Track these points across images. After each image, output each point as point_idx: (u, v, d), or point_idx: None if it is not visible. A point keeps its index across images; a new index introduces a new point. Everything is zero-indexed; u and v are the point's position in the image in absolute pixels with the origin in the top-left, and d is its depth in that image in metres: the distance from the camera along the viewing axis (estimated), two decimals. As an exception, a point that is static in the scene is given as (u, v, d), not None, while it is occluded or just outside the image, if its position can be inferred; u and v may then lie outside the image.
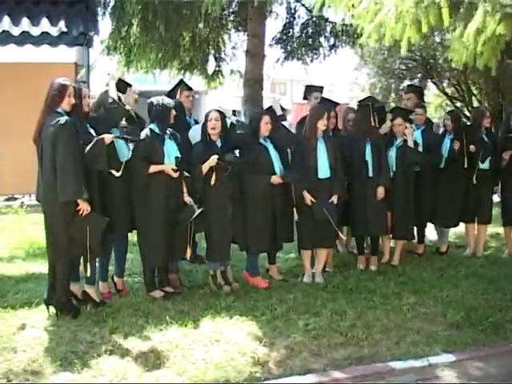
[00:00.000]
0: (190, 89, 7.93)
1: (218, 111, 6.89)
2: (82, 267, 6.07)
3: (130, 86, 7.00)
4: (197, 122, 8.01)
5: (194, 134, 7.15)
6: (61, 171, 5.58)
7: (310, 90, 8.45)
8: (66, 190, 5.59)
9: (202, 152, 6.71)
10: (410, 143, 7.83)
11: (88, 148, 5.78)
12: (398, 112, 8.16)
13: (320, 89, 8.44)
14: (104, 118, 6.29)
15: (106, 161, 5.89)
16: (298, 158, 7.26)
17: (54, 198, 5.63)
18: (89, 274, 6.07)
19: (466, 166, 8.22)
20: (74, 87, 5.92)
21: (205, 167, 6.62)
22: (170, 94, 7.62)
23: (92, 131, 6.12)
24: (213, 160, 6.58)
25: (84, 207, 5.70)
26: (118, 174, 6.19)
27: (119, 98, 6.43)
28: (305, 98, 8.42)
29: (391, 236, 8.22)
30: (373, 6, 5.19)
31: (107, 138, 5.94)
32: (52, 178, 5.63)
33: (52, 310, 5.95)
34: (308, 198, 7.07)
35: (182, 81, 8.18)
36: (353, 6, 5.47)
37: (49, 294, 5.99)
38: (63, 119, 5.62)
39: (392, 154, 7.86)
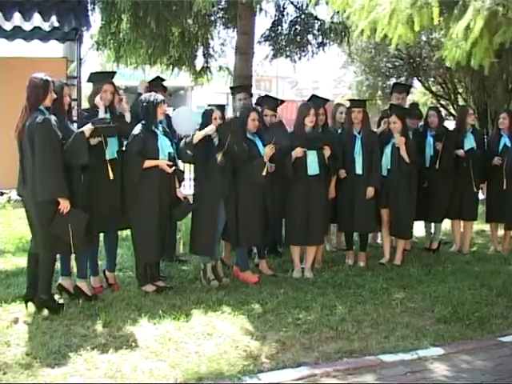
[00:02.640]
0: (165, 89, 7.91)
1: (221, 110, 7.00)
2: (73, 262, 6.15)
3: (112, 73, 7.00)
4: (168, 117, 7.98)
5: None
6: (39, 170, 5.57)
7: (234, 90, 8.41)
8: (43, 190, 5.58)
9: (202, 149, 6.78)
10: (403, 153, 7.77)
11: (68, 143, 5.77)
12: (393, 110, 8.15)
13: (245, 89, 8.44)
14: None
15: (86, 154, 5.85)
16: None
17: (34, 196, 5.64)
18: (75, 270, 6.11)
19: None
20: (54, 81, 5.85)
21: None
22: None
23: (73, 128, 6.15)
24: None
25: (64, 205, 5.68)
26: (111, 177, 6.26)
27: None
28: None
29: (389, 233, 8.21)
30: (368, 3, 5.26)
31: (87, 129, 5.90)
32: (32, 176, 5.63)
33: (31, 306, 5.96)
34: (300, 151, 7.14)
35: (158, 78, 8.13)
36: (347, 3, 5.53)
37: (27, 291, 6.03)
38: (41, 118, 5.59)
39: (388, 151, 7.91)
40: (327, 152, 7.24)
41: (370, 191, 7.68)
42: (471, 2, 4.86)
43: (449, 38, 5.22)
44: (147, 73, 13.04)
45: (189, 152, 6.65)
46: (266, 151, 7.01)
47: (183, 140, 6.72)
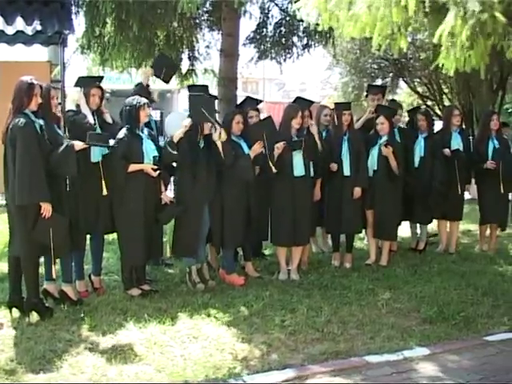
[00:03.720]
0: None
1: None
2: (56, 267, 6.12)
3: (99, 78, 6.96)
4: (155, 122, 7.90)
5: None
6: (18, 174, 5.52)
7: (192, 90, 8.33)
8: (22, 194, 5.52)
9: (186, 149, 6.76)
10: (392, 162, 7.78)
11: (56, 152, 5.73)
12: (380, 110, 8.14)
13: (204, 89, 8.38)
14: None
15: (75, 167, 5.82)
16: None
17: (14, 200, 5.60)
18: (54, 275, 6.07)
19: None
20: (41, 86, 5.81)
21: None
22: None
23: (60, 132, 6.13)
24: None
25: (46, 209, 5.63)
26: (104, 193, 6.32)
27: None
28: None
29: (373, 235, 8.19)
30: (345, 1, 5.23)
31: (77, 145, 5.90)
32: (13, 180, 5.59)
33: (15, 312, 5.91)
34: (281, 145, 7.12)
35: (139, 84, 8.03)
36: (335, 16, 5.49)
37: (11, 296, 5.96)
38: (23, 121, 5.54)
39: (374, 152, 7.91)
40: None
41: (357, 191, 7.70)
42: (451, 6, 4.85)
43: (446, 49, 5.19)
44: (134, 76, 13.03)
45: (173, 151, 6.62)
46: (255, 147, 7.03)
47: (165, 141, 6.72)
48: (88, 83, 6.65)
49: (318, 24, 8.75)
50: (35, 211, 5.61)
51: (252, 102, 7.89)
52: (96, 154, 6.43)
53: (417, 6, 4.92)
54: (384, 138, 7.90)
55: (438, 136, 8.79)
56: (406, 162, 8.24)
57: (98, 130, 6.46)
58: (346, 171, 7.72)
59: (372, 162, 7.93)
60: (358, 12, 5.12)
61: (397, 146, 7.93)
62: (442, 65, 5.44)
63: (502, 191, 8.45)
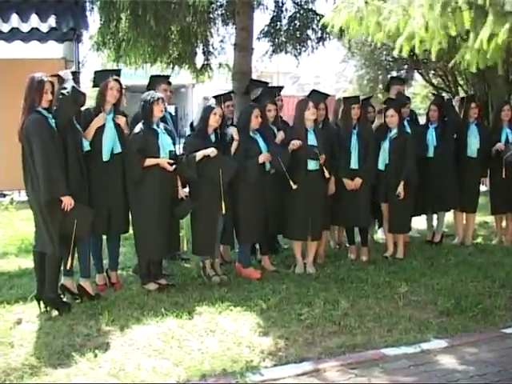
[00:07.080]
0: (169, 83, 7.86)
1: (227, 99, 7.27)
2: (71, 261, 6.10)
3: (116, 71, 6.92)
4: (171, 115, 7.92)
5: None
6: (39, 171, 5.58)
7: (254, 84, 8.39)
8: (45, 190, 5.58)
9: (198, 145, 6.76)
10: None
11: None
12: (389, 103, 8.14)
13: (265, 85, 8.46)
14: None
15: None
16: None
17: (38, 195, 5.65)
18: (68, 267, 6.01)
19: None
20: (51, 82, 5.82)
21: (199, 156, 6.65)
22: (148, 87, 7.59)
23: (79, 127, 6.13)
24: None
25: (67, 202, 5.69)
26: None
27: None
28: (247, 92, 8.32)
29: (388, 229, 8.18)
30: (402, 18, 5.20)
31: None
32: (31, 176, 5.66)
33: (35, 306, 5.99)
34: (297, 143, 7.13)
35: (155, 76, 8.01)
36: (380, 28, 5.46)
37: (38, 290, 6.01)
38: (35, 118, 5.61)
39: (386, 145, 7.88)
40: (322, 159, 7.23)
41: (357, 181, 7.66)
42: (490, 9, 4.85)
43: (469, 47, 5.16)
44: (148, 71, 13.03)
45: (193, 174, 6.65)
46: (264, 156, 7.06)
47: (184, 156, 6.69)
48: (105, 76, 6.57)
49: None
50: (57, 205, 5.68)
51: (270, 95, 7.81)
52: (107, 153, 6.44)
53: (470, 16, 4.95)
54: (394, 131, 7.88)
55: (449, 126, 8.74)
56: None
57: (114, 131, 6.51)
58: (354, 164, 7.71)
59: (384, 155, 7.91)
60: (415, 29, 5.10)
61: (407, 137, 7.91)
62: (460, 62, 5.42)
63: (504, 181, 8.41)
